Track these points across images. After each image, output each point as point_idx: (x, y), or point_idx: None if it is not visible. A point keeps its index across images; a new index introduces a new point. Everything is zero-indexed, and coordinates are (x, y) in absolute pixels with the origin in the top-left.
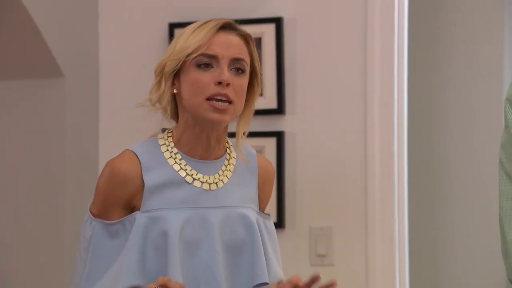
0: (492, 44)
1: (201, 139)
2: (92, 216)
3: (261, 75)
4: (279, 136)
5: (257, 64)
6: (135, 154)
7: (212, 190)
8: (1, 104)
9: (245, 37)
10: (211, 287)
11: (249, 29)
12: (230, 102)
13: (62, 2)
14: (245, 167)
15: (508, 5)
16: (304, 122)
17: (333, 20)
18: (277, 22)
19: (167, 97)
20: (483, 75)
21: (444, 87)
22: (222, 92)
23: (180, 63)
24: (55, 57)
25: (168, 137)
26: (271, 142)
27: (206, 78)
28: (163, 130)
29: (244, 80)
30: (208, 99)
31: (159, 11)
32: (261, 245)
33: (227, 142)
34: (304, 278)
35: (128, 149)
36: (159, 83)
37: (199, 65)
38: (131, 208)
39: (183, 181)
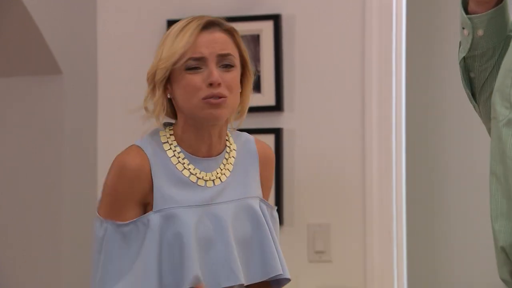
0: None
1: (203, 137)
2: (102, 217)
3: (257, 69)
4: (277, 133)
5: (245, 54)
6: (143, 150)
7: (216, 185)
8: None
9: (229, 31)
10: (231, 281)
11: (247, 26)
12: (224, 97)
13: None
14: (246, 154)
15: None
16: (302, 119)
17: (332, 17)
18: (275, 19)
19: (161, 104)
20: None
21: (442, 85)
22: (214, 92)
23: (169, 71)
24: (53, 54)
25: (170, 135)
26: (269, 139)
27: (197, 80)
28: (165, 124)
29: (235, 73)
30: (203, 99)
31: (157, 8)
32: (270, 236)
33: (226, 135)
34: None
35: (135, 144)
36: (152, 91)
37: (188, 69)
38: (144, 205)
39: (187, 180)
